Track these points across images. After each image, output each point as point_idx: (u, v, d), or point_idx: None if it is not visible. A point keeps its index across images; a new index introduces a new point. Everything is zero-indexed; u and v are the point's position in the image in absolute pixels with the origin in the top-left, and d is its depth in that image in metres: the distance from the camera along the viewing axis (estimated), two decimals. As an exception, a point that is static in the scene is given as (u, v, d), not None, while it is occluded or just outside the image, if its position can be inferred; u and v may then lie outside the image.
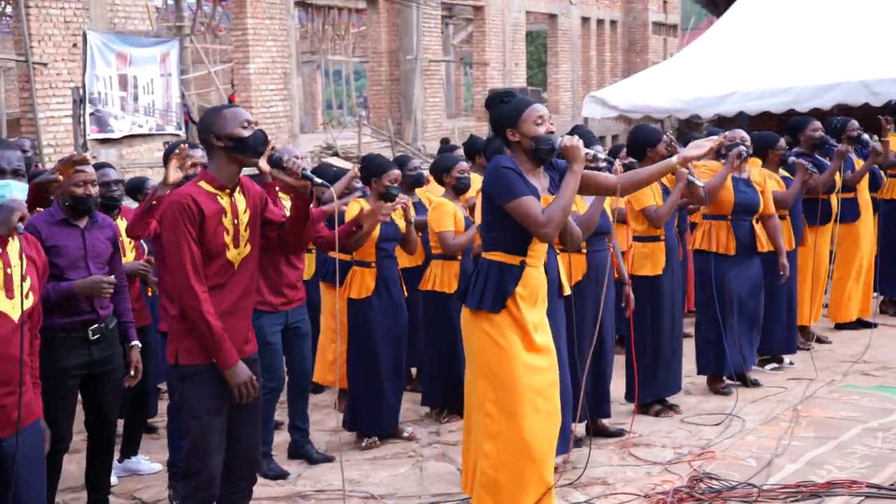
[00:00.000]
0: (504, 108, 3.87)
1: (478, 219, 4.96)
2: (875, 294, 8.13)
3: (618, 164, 4.66)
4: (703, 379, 6.50)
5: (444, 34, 23.27)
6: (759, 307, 6.33)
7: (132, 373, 4.47)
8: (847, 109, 9.98)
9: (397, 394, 5.67)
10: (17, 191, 3.17)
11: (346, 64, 26.14)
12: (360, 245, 5.33)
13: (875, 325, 7.93)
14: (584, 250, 5.25)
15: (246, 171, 3.72)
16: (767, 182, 6.58)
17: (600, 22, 26.74)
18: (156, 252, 5.01)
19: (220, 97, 17.85)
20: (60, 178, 4.13)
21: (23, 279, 3.11)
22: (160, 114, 13.78)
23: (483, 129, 16.75)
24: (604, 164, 5.17)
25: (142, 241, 5.22)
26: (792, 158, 6.74)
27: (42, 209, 4.37)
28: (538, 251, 3.88)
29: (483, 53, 21.67)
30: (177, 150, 4.49)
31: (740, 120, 11.43)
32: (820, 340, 7.44)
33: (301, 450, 5.39)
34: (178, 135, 13.54)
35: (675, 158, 3.87)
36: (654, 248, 5.80)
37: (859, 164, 7.74)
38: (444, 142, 18.25)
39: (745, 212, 6.22)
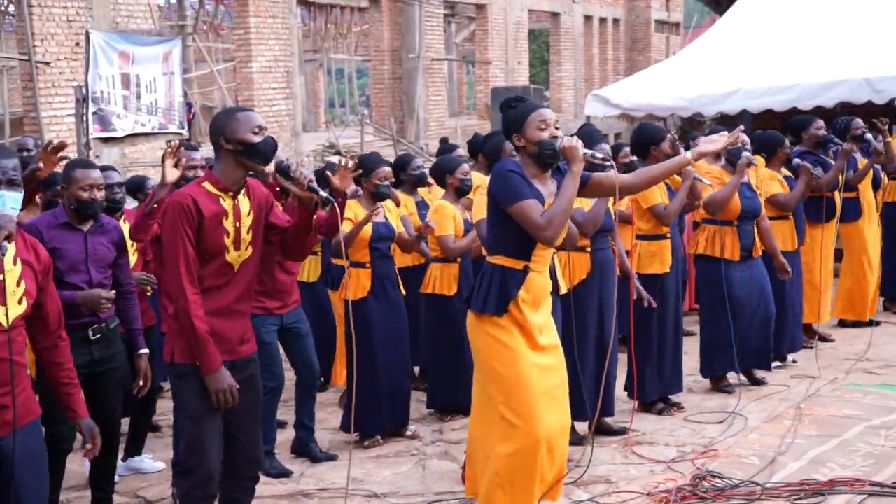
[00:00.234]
0: (511, 114, 3.90)
1: (475, 217, 4.97)
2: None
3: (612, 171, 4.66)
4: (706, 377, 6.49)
5: (447, 32, 23.26)
6: (770, 307, 6.31)
7: (140, 382, 4.46)
8: (850, 107, 9.98)
9: (403, 392, 5.66)
10: (11, 202, 3.07)
11: (349, 62, 26.15)
12: (349, 245, 5.36)
13: (878, 324, 7.93)
14: (588, 249, 5.25)
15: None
16: (769, 183, 6.59)
17: (603, 20, 26.72)
18: (155, 253, 5.02)
19: (222, 96, 17.86)
20: (42, 165, 4.15)
21: (17, 284, 3.07)
22: (163, 113, 13.78)
23: (485, 128, 16.74)
24: (609, 164, 5.19)
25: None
26: (796, 160, 6.73)
27: (34, 205, 4.37)
28: (543, 257, 3.89)
29: (485, 52, 21.66)
30: (172, 144, 4.51)
31: (743, 118, 11.42)
32: (823, 339, 7.43)
33: (305, 448, 5.40)
34: (180, 133, 13.54)
35: (689, 153, 3.86)
36: (662, 247, 5.81)
37: (863, 163, 7.74)
38: (443, 141, 18.26)
39: (750, 217, 6.23)
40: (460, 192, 5.89)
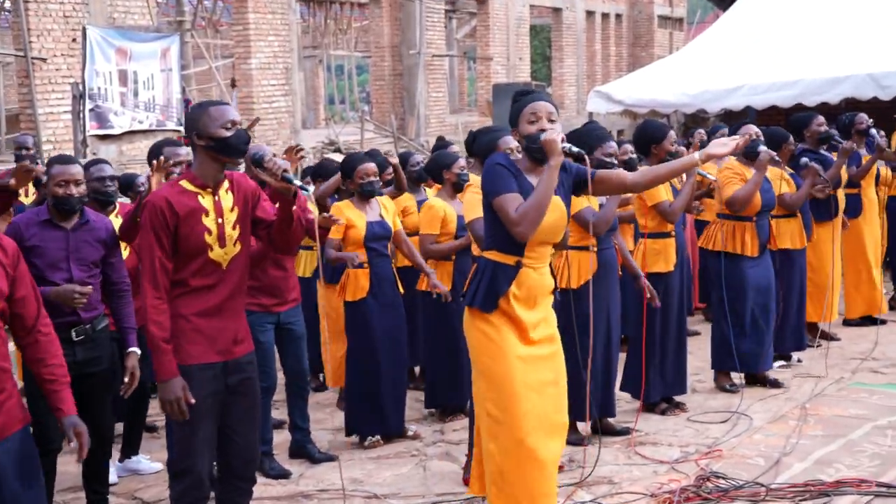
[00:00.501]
0: (512, 108, 3.89)
1: (467, 217, 4.94)
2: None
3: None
4: (710, 376, 6.49)
5: (448, 28, 23.22)
6: (773, 304, 6.31)
7: (126, 379, 4.34)
8: (855, 103, 9.95)
9: (400, 394, 5.65)
10: None
11: (349, 59, 26.13)
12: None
13: (884, 322, 7.91)
14: (594, 248, 5.23)
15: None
16: (774, 182, 6.55)
17: (605, 16, 26.69)
18: (137, 250, 5.02)
19: (220, 93, 17.84)
20: (13, 182, 4.12)
21: None
22: (161, 109, 13.76)
23: (486, 125, 16.71)
24: (611, 161, 5.16)
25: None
26: (804, 160, 6.71)
27: (8, 215, 4.34)
28: (539, 252, 3.84)
29: (487, 48, 21.64)
30: (158, 160, 4.50)
31: (747, 114, 11.40)
32: (828, 337, 7.41)
33: (303, 449, 5.39)
34: (178, 131, 13.53)
35: (697, 155, 3.82)
36: (666, 245, 5.79)
37: (867, 159, 7.72)
38: (440, 140, 18.24)
39: (767, 211, 6.23)
40: (457, 187, 5.83)
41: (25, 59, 11.99)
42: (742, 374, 6.36)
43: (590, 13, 25.74)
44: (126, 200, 5.92)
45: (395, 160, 6.27)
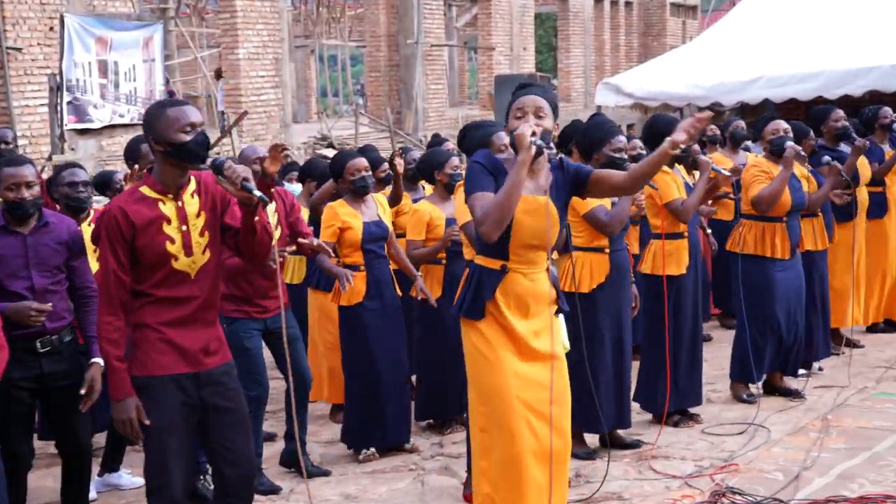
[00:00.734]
0: (509, 103, 3.89)
1: (458, 220, 4.94)
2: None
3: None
4: (726, 386, 6.49)
5: (447, 16, 23.26)
6: (802, 311, 6.30)
7: (83, 391, 4.22)
8: (879, 96, 9.97)
9: (402, 403, 5.64)
10: None
11: (342, 49, 26.13)
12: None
13: (910, 328, 7.91)
14: (607, 250, 5.23)
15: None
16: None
17: (614, 3, 26.72)
18: None
19: (206, 84, 17.85)
20: None
21: None
22: (143, 102, 13.76)
23: (489, 118, 16.72)
24: (621, 157, 5.15)
25: None
26: (826, 158, 6.71)
27: None
28: (527, 257, 3.80)
29: (489, 37, 21.66)
30: (133, 169, 4.50)
31: (765, 108, 11.41)
32: (851, 344, 7.41)
33: (294, 459, 5.37)
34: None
35: (666, 142, 3.79)
36: (679, 246, 5.78)
37: (890, 154, 7.71)
38: (435, 137, 18.25)
39: (798, 211, 6.21)
40: (449, 188, 5.77)
41: (0, 50, 11.99)
42: (760, 384, 6.36)
43: (598, 0, 25.76)
44: (106, 200, 5.93)
45: (399, 163, 6.20)
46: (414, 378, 6.73)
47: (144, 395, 3.55)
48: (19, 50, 12.14)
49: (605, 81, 13.17)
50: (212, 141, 6.36)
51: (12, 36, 12.13)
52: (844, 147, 7.26)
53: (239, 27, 15.33)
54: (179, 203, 3.56)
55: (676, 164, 5.83)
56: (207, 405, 3.62)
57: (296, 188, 7.16)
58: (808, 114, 7.72)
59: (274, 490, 5.12)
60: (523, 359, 3.80)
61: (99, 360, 4.30)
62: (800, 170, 6.44)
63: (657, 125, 5.85)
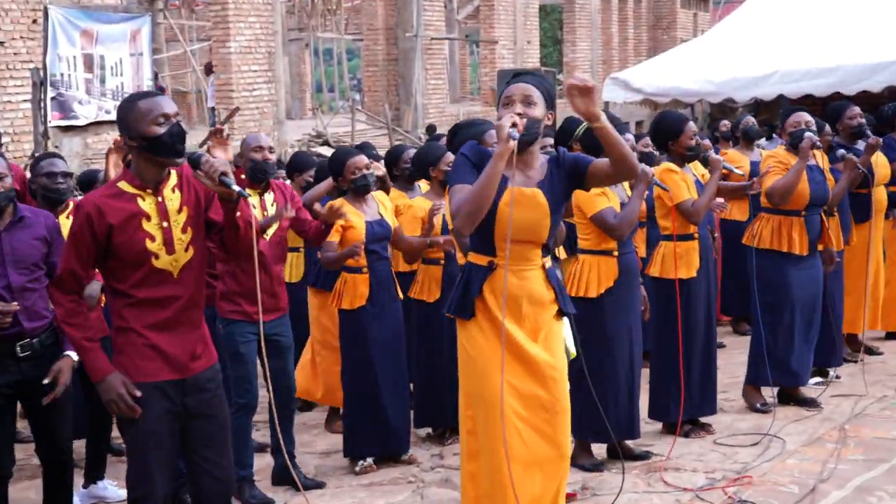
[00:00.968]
0: None
1: (449, 219, 4.95)
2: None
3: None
4: (739, 395, 6.49)
5: (448, 8, 23.27)
6: (818, 313, 6.31)
7: (46, 380, 4.20)
8: (899, 92, 9.97)
9: (402, 411, 5.65)
10: None
11: (339, 42, 26.15)
12: (337, 266, 5.41)
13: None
14: (616, 253, 5.23)
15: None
16: None
17: (623, -6, 26.75)
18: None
19: (196, 79, 17.86)
20: None
21: None
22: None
23: (491, 115, 16.73)
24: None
25: None
26: (841, 151, 6.72)
27: None
28: (515, 253, 3.76)
29: (491, 30, 21.67)
30: (114, 142, 4.49)
31: (780, 104, 11.42)
32: (870, 351, 7.41)
33: (287, 475, 5.37)
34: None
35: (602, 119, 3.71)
36: (688, 248, 5.78)
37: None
38: (431, 130, 18.25)
39: (818, 205, 6.20)
40: (445, 185, 5.69)
41: (-20, 43, 12.01)
42: (775, 392, 6.36)
43: (605, -8, 25.78)
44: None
45: (381, 170, 6.22)
46: (412, 385, 6.74)
47: None
48: (1, 43, 12.15)
49: (612, 76, 13.17)
50: (202, 138, 6.35)
51: (-6, 29, 12.15)
52: (861, 145, 7.26)
53: (230, 20, 15.34)
54: (159, 198, 3.55)
55: (687, 163, 5.82)
56: (191, 412, 3.62)
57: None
58: (823, 110, 7.72)
59: (266, 502, 5.12)
60: (516, 363, 3.77)
61: (71, 354, 4.31)
62: (825, 163, 6.40)
63: (665, 122, 5.86)
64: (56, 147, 12.20)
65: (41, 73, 12.37)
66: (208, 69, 17.25)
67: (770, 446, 5.63)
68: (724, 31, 13.86)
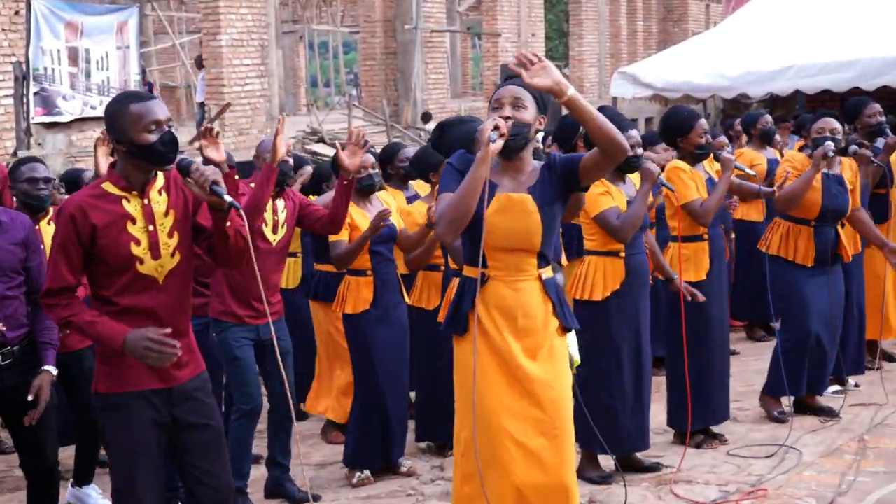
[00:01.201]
0: None
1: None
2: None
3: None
4: (753, 404, 6.49)
5: (449, 0, 23.29)
6: (840, 324, 6.29)
7: (30, 397, 4.22)
8: (921, 87, 9.97)
9: (402, 421, 5.65)
10: None
11: (334, 35, 26.20)
12: (351, 260, 5.38)
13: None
14: (623, 254, 5.23)
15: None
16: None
17: (631, -15, 26.77)
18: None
19: (185, 73, 17.86)
20: None
21: None
22: (116, 93, 13.81)
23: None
24: (633, 154, 5.16)
25: None
26: (853, 147, 6.72)
27: None
28: (506, 262, 3.76)
29: (494, 22, 21.68)
30: (100, 136, 4.49)
31: (796, 100, 11.43)
32: (889, 358, 7.41)
33: (281, 488, 5.39)
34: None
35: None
36: (697, 250, 5.78)
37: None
38: (426, 118, 18.25)
39: (832, 217, 6.15)
40: None
41: (-40, 35, 12.02)
42: (791, 401, 6.36)
43: (614, -18, 25.80)
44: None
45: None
46: (412, 395, 6.75)
47: (112, 414, 3.55)
48: (-18, 36, 12.16)
49: (621, 71, 13.17)
50: (192, 136, 6.33)
51: (-26, 21, 12.16)
52: (881, 143, 7.27)
53: (221, 11, 15.34)
54: (145, 201, 3.54)
55: (699, 161, 5.82)
56: (180, 423, 3.61)
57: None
58: (843, 106, 7.72)
59: (260, 517, 5.13)
60: (512, 382, 3.74)
61: (50, 368, 4.34)
62: (850, 174, 6.35)
63: (675, 117, 5.86)
64: (39, 144, 12.22)
65: (23, 67, 12.39)
66: (199, 63, 17.26)
67: (786, 458, 5.63)
68: (737, 23, 13.87)
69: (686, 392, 5.71)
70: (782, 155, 8.31)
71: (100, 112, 13.49)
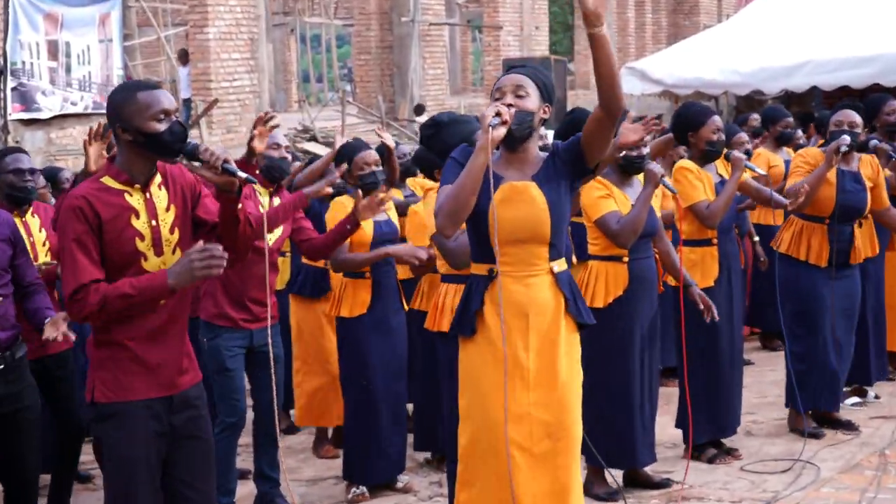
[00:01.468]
0: None
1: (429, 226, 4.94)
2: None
3: None
4: (768, 416, 6.49)
5: (448, -9, 23.32)
6: (852, 330, 6.28)
7: (45, 335, 4.25)
8: (945, 84, 9.98)
9: (400, 434, 5.64)
10: None
11: (327, 28, 26.22)
12: (350, 269, 5.39)
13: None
14: (626, 259, 5.23)
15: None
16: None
17: (640, -24, 26.81)
18: None
19: (171, 68, 17.86)
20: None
21: None
22: (98, 89, 13.80)
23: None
24: (637, 154, 5.16)
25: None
26: (873, 142, 6.71)
27: None
28: (516, 256, 3.74)
29: (495, 15, 21.71)
30: (91, 129, 4.50)
31: (813, 97, 11.43)
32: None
33: (270, 504, 5.38)
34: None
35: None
36: (705, 254, 5.77)
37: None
38: (419, 110, 18.26)
39: (848, 215, 6.14)
40: None
41: (-66, 28, 12.02)
42: (809, 413, 6.35)
43: (621, -27, 25.84)
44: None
45: (389, 141, 6.31)
46: (411, 407, 6.75)
47: (111, 425, 3.52)
48: (-44, 28, 12.16)
49: (629, 66, 13.17)
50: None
51: (-52, 12, 12.16)
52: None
53: (209, 3, 15.36)
54: (147, 195, 3.55)
55: (710, 161, 5.81)
56: (178, 433, 3.60)
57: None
58: (862, 103, 7.72)
59: (248, 535, 5.12)
60: (519, 384, 3.73)
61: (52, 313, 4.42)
62: (870, 170, 6.33)
63: (688, 112, 5.85)
64: (17, 142, 12.22)
65: (1, 61, 12.39)
66: (183, 58, 17.26)
67: (803, 473, 5.63)
68: (751, 16, 13.88)
69: (688, 404, 5.71)
70: None
71: (80, 108, 13.52)
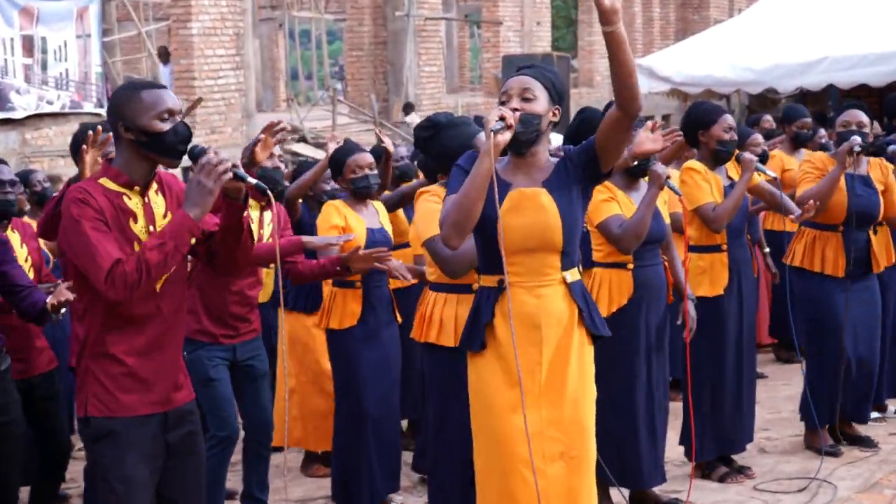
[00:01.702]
0: None
1: (422, 232, 4.94)
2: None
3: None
4: (781, 433, 6.49)
5: (445, -16, 23.35)
6: (876, 341, 6.27)
7: (49, 300, 4.20)
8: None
9: (390, 452, 5.63)
10: None
11: (317, 22, 26.21)
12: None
13: None
14: (630, 265, 5.23)
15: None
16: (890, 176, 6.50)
17: (647, -31, 26.84)
18: (64, 267, 5.02)
19: (152, 65, 17.85)
20: None
21: None
22: (76, 87, 13.79)
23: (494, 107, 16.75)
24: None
25: (46, 251, 5.38)
26: (892, 147, 6.72)
27: None
28: (526, 265, 3.76)
29: (495, 9, 21.72)
30: (90, 135, 4.50)
31: (829, 95, 11.45)
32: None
33: (258, 526, 5.37)
34: (98, 114, 13.55)
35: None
36: (713, 261, 5.76)
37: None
38: (408, 108, 18.25)
39: (862, 221, 6.12)
40: None
41: None
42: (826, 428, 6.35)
43: (627, -35, 25.88)
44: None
45: (390, 146, 6.33)
46: (405, 423, 6.74)
47: (105, 443, 3.51)
48: (-74, 23, 12.16)
49: (636, 63, 13.17)
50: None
51: (-82, 6, 12.16)
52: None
53: (193, -4, 15.36)
54: (146, 199, 3.57)
55: (720, 163, 5.81)
56: (173, 450, 3.62)
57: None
58: (880, 102, 7.74)
59: (235, 559, 5.12)
60: (530, 401, 3.73)
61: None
62: (879, 173, 6.33)
63: (699, 110, 5.86)
64: (-10, 144, 12.20)
65: (-28, 58, 12.38)
66: (163, 56, 17.25)
67: (819, 493, 5.63)
68: (764, 11, 13.90)
69: (698, 417, 5.70)
70: None
71: (57, 107, 13.50)
